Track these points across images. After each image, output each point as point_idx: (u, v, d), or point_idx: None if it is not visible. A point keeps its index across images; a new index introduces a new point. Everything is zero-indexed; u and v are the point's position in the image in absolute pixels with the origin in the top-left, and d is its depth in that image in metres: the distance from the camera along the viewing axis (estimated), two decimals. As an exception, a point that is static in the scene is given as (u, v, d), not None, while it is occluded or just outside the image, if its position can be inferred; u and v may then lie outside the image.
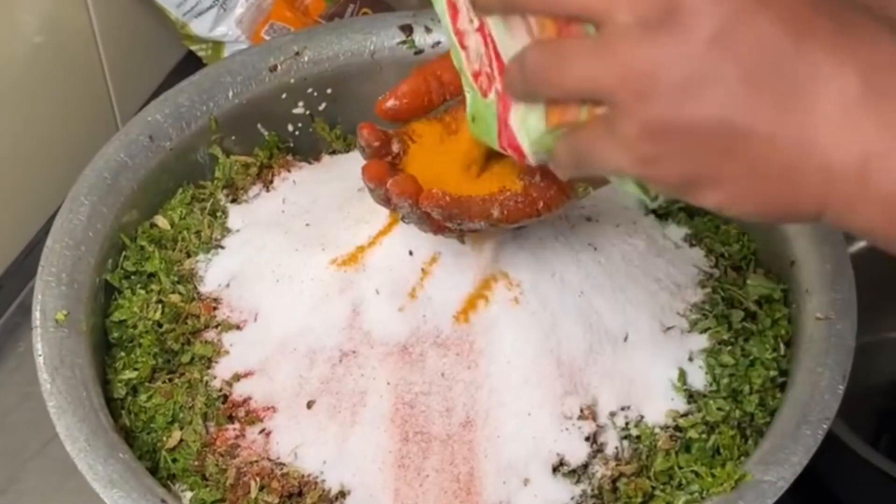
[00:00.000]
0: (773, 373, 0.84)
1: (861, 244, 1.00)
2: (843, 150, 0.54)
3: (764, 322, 0.87)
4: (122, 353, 0.86)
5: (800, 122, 0.55)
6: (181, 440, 0.83)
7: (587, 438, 0.81)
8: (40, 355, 0.80)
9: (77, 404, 0.78)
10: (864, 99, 0.54)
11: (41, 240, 1.04)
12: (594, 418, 0.81)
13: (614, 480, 0.81)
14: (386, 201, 0.75)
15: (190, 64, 1.19)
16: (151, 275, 0.90)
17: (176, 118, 0.93)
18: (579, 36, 0.58)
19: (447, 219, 0.74)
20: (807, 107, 0.55)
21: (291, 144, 0.99)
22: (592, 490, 0.80)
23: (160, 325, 0.87)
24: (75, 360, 0.81)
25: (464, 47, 0.67)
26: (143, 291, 0.88)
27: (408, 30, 0.99)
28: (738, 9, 0.54)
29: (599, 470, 0.80)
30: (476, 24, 0.65)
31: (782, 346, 0.85)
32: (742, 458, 0.80)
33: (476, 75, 0.67)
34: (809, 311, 0.84)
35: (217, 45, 1.20)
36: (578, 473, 0.80)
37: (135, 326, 0.87)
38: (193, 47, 1.21)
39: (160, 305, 0.87)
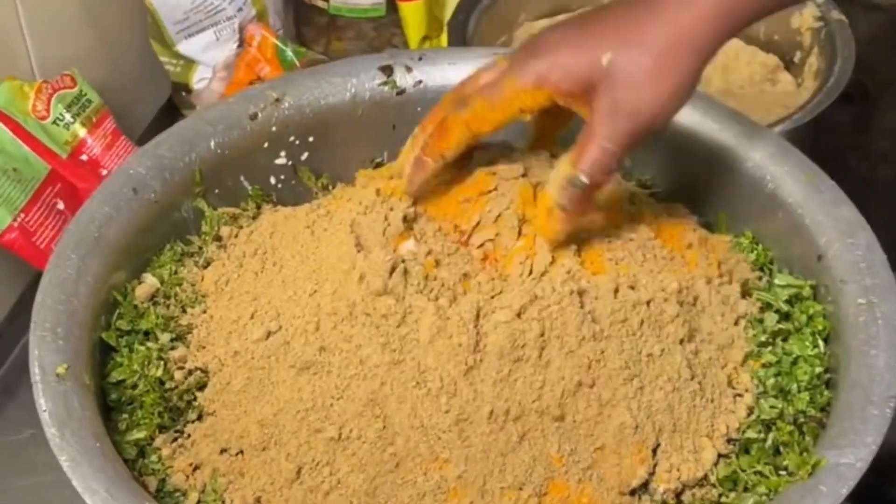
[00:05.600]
0: (818, 369, 0.81)
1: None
2: None
3: (799, 319, 0.83)
4: (125, 415, 0.79)
5: None
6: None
7: (641, 453, 0.76)
8: (45, 410, 0.73)
9: (91, 455, 0.71)
10: None
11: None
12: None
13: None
14: None
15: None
16: (147, 332, 0.83)
17: (159, 169, 0.88)
18: None
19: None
20: None
21: (275, 198, 0.94)
22: (658, 506, 0.75)
23: (162, 383, 0.80)
24: (83, 412, 0.73)
25: None
26: (142, 348, 0.81)
27: (388, 70, 0.95)
28: None
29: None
30: None
31: (821, 343, 0.82)
32: (804, 453, 0.75)
33: None
34: (849, 299, 0.80)
35: (189, 63, 1.22)
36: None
37: (135, 386, 0.80)
38: (164, 58, 1.22)
39: (161, 362, 0.81)
